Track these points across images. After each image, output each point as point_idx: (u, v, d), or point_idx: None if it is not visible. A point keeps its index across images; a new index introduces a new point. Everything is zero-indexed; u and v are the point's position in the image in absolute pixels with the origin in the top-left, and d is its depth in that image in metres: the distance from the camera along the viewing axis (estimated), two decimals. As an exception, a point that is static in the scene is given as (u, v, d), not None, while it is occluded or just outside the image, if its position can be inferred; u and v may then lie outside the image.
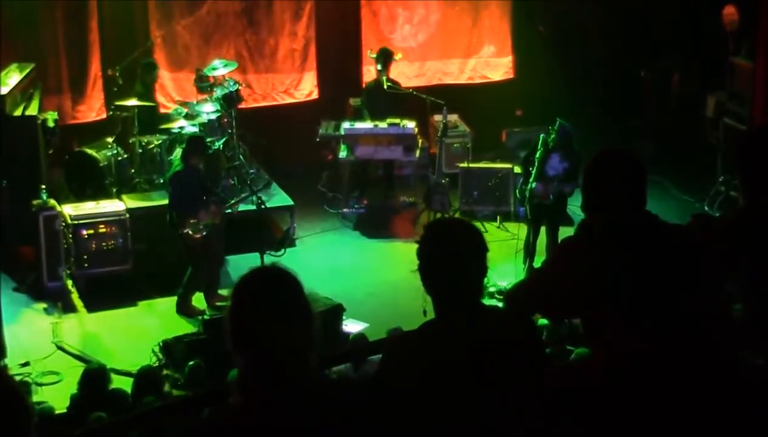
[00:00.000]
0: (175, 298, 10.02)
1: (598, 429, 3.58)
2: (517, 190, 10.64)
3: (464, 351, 3.18)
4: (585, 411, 3.59)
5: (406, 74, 13.52)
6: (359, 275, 10.88)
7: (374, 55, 12.37)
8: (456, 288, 3.22)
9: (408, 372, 3.18)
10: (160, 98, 12.63)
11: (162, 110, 12.45)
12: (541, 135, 9.92)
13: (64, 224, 10.29)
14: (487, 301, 3.36)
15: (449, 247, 3.23)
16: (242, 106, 12.33)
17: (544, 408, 3.30)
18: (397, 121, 12.00)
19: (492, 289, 9.41)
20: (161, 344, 9.03)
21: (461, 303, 3.23)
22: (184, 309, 9.99)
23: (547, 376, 3.38)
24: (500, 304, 4.13)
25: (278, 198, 11.73)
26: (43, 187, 10.30)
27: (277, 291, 2.82)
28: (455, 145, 12.93)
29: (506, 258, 10.24)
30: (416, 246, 3.28)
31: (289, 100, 13.63)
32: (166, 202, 10.28)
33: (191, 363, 8.27)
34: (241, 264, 10.56)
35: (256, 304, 2.80)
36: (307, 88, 13.70)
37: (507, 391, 3.19)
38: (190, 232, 9.68)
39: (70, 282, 10.36)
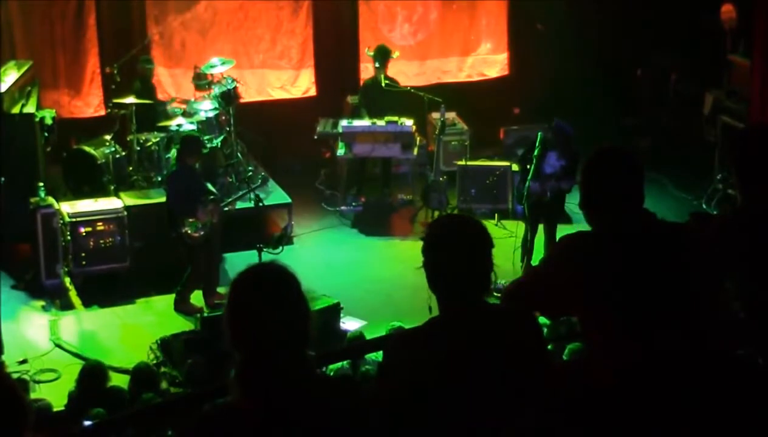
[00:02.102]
0: (172, 296, 10.02)
1: (597, 429, 3.58)
2: (515, 188, 10.63)
3: (467, 348, 3.17)
4: (584, 411, 3.59)
5: (405, 73, 13.52)
6: (357, 273, 10.87)
7: (372, 53, 12.34)
8: (460, 285, 3.20)
9: (411, 369, 3.17)
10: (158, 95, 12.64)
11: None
12: (539, 133, 9.94)
13: (61, 222, 10.28)
14: (488, 299, 3.34)
15: (454, 244, 3.21)
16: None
17: (544, 407, 3.30)
18: (395, 118, 11.99)
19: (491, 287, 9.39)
20: (159, 342, 9.02)
21: (465, 300, 3.21)
22: (183, 306, 9.98)
23: (547, 375, 3.38)
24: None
25: (276, 195, 11.72)
26: (41, 184, 10.29)
27: (274, 289, 2.81)
28: (453, 143, 12.91)
29: (504, 257, 10.24)
30: (416, 243, 3.27)
31: (284, 96, 13.63)
32: (164, 199, 10.27)
33: (189, 360, 8.27)
34: (238, 261, 10.57)
35: (253, 301, 2.80)
36: (304, 84, 13.69)
37: (508, 389, 3.18)
38: (188, 231, 9.67)
39: (67, 280, 10.35)
